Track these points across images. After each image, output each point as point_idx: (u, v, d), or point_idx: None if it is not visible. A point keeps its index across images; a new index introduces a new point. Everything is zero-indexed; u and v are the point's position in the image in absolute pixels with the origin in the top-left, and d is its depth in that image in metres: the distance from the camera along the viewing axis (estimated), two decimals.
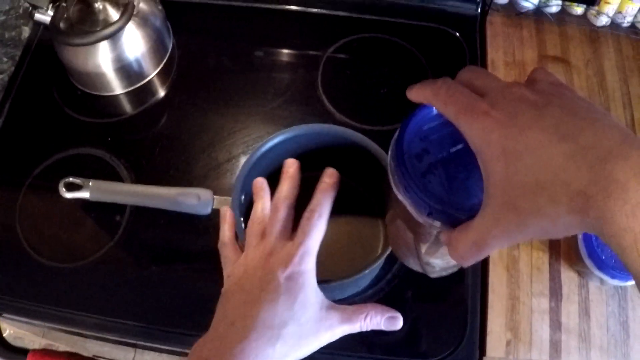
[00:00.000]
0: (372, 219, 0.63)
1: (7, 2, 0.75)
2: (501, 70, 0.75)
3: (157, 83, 0.76)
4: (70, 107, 0.74)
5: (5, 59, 0.77)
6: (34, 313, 0.61)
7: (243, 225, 0.51)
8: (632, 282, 0.58)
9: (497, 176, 0.29)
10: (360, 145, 0.56)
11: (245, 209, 0.55)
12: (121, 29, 0.66)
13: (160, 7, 0.75)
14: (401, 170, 0.33)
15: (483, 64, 0.76)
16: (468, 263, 0.33)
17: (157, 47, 0.74)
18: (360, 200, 0.63)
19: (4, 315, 0.63)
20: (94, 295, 0.62)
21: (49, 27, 0.67)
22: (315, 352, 0.44)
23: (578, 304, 0.60)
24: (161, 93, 0.75)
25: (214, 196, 0.60)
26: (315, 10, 0.81)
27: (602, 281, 0.60)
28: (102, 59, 0.70)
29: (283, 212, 0.48)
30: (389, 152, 0.36)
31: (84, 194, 0.61)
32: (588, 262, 0.58)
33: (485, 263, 0.63)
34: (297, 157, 0.52)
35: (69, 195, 0.61)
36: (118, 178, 0.67)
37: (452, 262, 0.39)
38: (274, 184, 0.51)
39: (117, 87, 0.74)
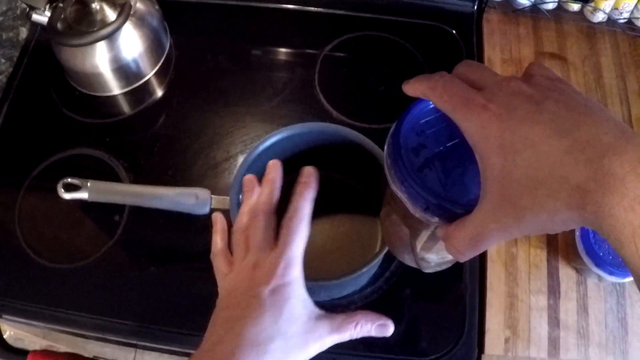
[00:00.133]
0: (369, 217, 0.63)
1: (5, 3, 0.75)
2: (498, 67, 0.75)
3: (154, 83, 0.76)
4: (68, 108, 0.74)
5: (3, 60, 0.77)
6: (33, 314, 0.61)
7: None
8: (630, 279, 0.58)
9: (495, 171, 0.29)
10: (358, 143, 0.56)
11: None
12: (118, 29, 0.66)
13: (157, 6, 0.75)
14: (398, 165, 0.33)
15: (480, 61, 0.76)
16: (465, 258, 0.33)
17: (154, 47, 0.74)
18: (357, 199, 0.63)
19: (3, 317, 0.63)
20: (93, 296, 0.62)
21: (46, 28, 0.67)
22: None
23: (576, 301, 0.60)
24: (159, 93, 0.75)
25: (212, 196, 0.60)
26: (312, 8, 0.81)
27: (600, 278, 0.60)
28: (99, 59, 0.70)
29: (262, 220, 0.47)
30: (385, 147, 0.35)
31: (83, 195, 0.61)
32: (586, 259, 0.58)
33: (483, 261, 0.63)
34: (294, 155, 0.52)
35: (67, 195, 0.61)
36: (116, 178, 0.67)
37: (448, 257, 0.39)
38: None
39: (114, 88, 0.74)
